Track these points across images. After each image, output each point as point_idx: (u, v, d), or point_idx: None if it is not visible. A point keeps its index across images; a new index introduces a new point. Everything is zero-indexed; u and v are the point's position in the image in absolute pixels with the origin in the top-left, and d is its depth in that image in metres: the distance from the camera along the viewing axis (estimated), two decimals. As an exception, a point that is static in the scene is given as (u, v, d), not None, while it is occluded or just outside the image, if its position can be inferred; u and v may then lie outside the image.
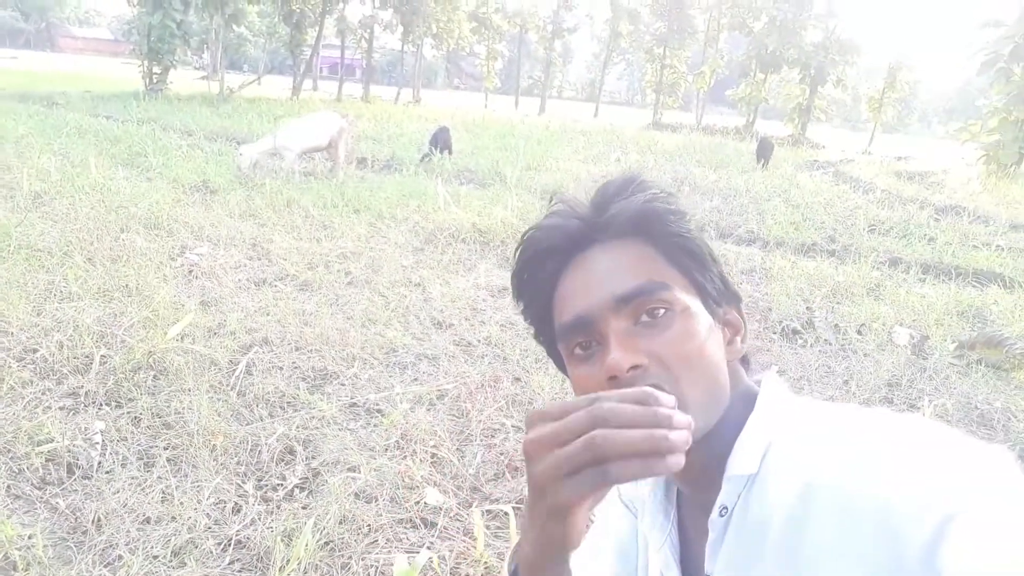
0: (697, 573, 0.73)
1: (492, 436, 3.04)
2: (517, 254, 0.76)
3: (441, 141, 11.41)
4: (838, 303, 5.38)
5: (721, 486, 0.66)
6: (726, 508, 0.66)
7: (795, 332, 4.73)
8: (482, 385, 3.51)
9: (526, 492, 2.08)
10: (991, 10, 19.47)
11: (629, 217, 0.70)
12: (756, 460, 0.65)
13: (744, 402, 0.70)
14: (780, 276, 5.90)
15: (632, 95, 78.93)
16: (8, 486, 2.38)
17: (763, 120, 29.52)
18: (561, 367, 0.76)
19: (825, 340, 4.62)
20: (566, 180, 10.08)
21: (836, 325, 4.87)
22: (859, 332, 4.76)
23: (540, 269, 0.74)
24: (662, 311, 0.67)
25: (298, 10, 27.69)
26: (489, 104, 36.73)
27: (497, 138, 15.58)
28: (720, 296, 0.72)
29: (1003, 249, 7.49)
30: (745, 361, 0.76)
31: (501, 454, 2.89)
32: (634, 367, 0.64)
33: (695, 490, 0.72)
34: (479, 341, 4.13)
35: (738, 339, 0.74)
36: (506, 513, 2.39)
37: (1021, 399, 3.84)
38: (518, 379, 3.64)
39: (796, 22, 27.14)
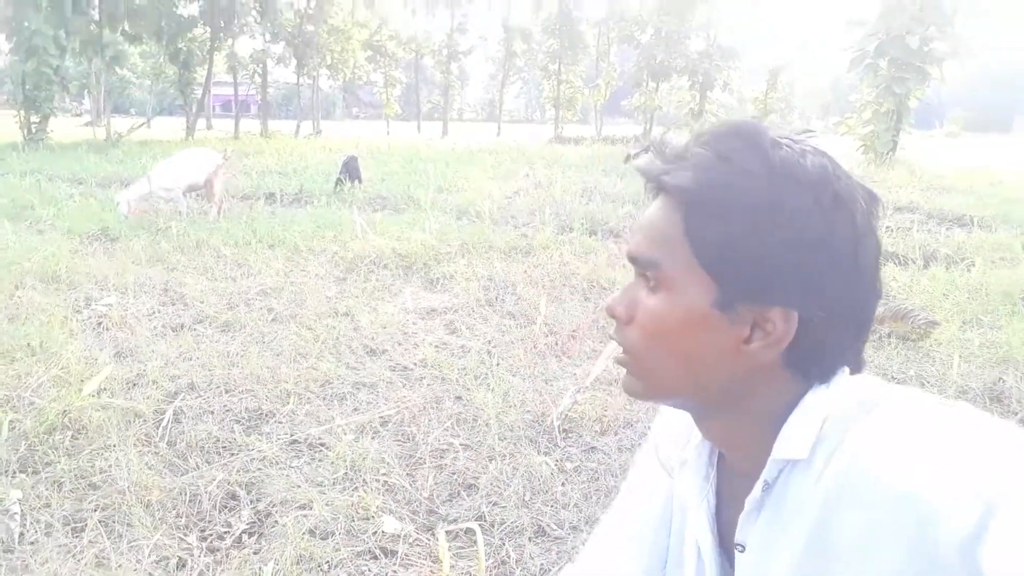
0: (728, 539, 0.73)
1: (442, 457, 3.00)
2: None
3: (350, 170, 11.25)
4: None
5: (765, 463, 0.66)
6: (768, 484, 0.66)
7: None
8: (424, 408, 3.46)
9: (484, 509, 2.06)
10: (855, 9, 20.94)
11: (680, 185, 0.68)
12: (805, 445, 0.63)
13: (781, 402, 0.67)
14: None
15: (531, 112, 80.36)
16: (-82, 573, 2.16)
17: (659, 126, 30.61)
18: None
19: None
20: (479, 198, 10.12)
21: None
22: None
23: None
24: (654, 281, 0.69)
25: (185, 48, 26.79)
26: (391, 131, 36.56)
27: (404, 163, 15.50)
28: (744, 293, 0.65)
29: (892, 230, 8.01)
30: (802, 364, 0.67)
31: (453, 473, 2.85)
32: (609, 311, 0.72)
33: (739, 458, 0.72)
34: (415, 364, 4.06)
35: (757, 344, 0.66)
36: (470, 531, 2.35)
37: (930, 366, 4.10)
38: (459, 398, 3.61)
39: (680, 32, 28.37)
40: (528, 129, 45.57)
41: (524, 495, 2.67)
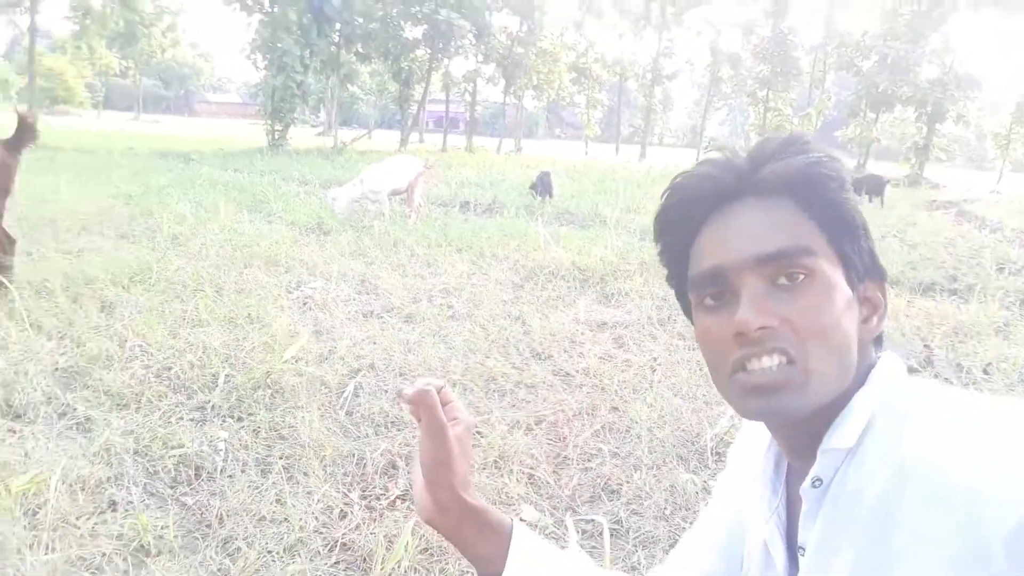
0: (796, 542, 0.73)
1: (589, 460, 3.05)
2: (664, 197, 0.75)
3: (543, 185, 11.66)
4: (960, 342, 5.06)
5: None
6: (820, 480, 0.66)
7: (912, 371, 4.48)
8: (579, 412, 3.53)
9: (622, 515, 2.10)
10: None
11: (786, 178, 0.69)
12: (854, 435, 0.64)
13: (862, 380, 0.68)
14: (895, 315, 5.61)
15: (735, 139, 77.72)
16: (145, 484, 2.61)
17: (875, 161, 28.33)
18: (687, 313, 0.77)
19: (946, 379, 4.34)
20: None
21: (958, 364, 4.58)
22: (985, 372, 4.45)
23: (684, 215, 0.73)
24: (801, 276, 0.66)
25: (406, 67, 29.24)
26: (589, 152, 37.15)
27: (597, 182, 15.73)
28: (865, 271, 0.70)
29: None
30: (878, 341, 0.73)
31: (597, 477, 2.89)
32: (763, 327, 0.64)
33: (802, 463, 0.71)
34: (577, 372, 4.15)
35: (875, 318, 0.71)
36: (596, 523, 2.38)
37: None
38: (616, 408, 3.64)
39: (910, 58, 26.11)
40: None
41: (665, 508, 2.65)
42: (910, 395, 0.65)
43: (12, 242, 5.25)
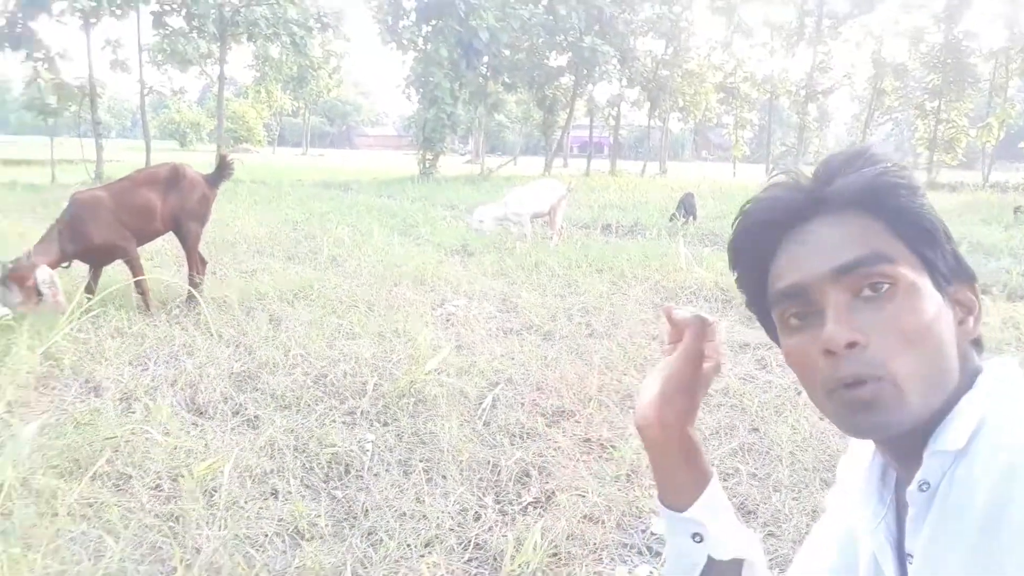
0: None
1: (725, 479, 2.97)
2: (735, 224, 0.77)
3: (687, 207, 11.47)
4: None
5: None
6: (927, 483, 0.64)
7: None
8: (716, 431, 3.45)
9: (758, 535, 2.03)
10: None
11: (855, 190, 0.69)
12: (964, 437, 0.63)
13: (967, 383, 0.67)
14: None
15: (901, 156, 72.20)
16: (302, 477, 2.87)
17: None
18: (772, 335, 0.77)
19: None
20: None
21: None
22: None
23: (758, 239, 0.74)
24: (885, 285, 0.65)
25: (551, 95, 29.85)
26: (737, 172, 35.96)
27: (744, 203, 15.18)
28: (952, 274, 0.69)
29: None
30: (977, 343, 0.72)
31: (733, 497, 2.81)
32: (851, 344, 0.63)
33: (908, 470, 0.69)
34: (716, 392, 4.04)
35: (970, 319, 0.71)
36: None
37: None
38: (755, 429, 3.52)
39: (1113, 59, 23.15)
40: (894, 174, 40.88)
41: (804, 531, 2.53)
42: (1021, 396, 0.63)
43: (204, 263, 5.96)
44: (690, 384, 0.76)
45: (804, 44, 32.75)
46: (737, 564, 0.77)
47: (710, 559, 0.76)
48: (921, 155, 34.49)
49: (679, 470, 0.77)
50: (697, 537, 0.75)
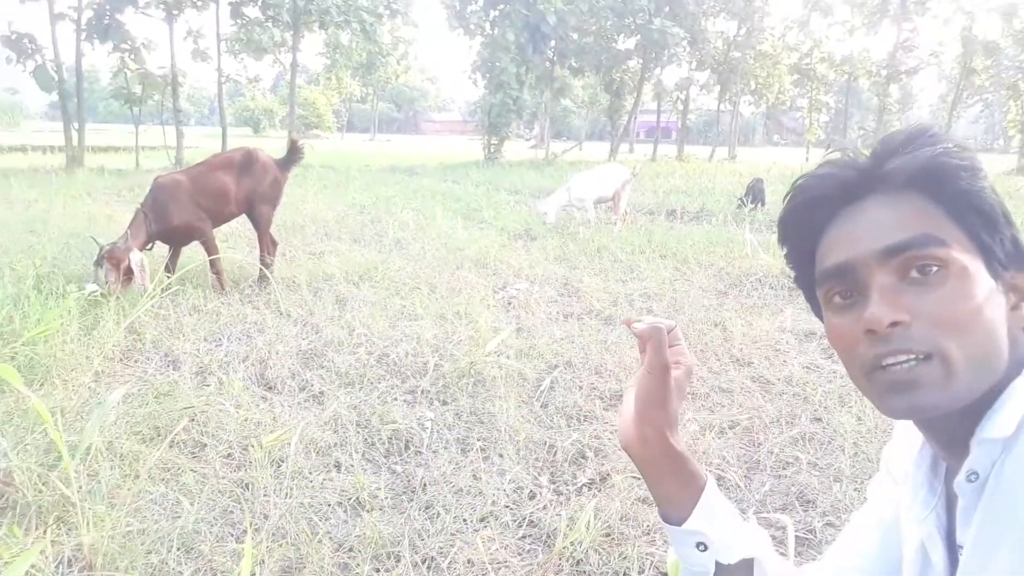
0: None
1: (784, 468, 2.92)
2: (786, 199, 0.76)
3: (755, 192, 11.18)
4: None
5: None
6: (976, 473, 0.63)
7: None
8: (777, 420, 3.39)
9: (816, 525, 2.02)
10: None
11: (913, 170, 0.67)
12: (1012, 424, 0.62)
13: (1016, 370, 0.66)
14: None
15: (992, 139, 68.33)
16: (364, 451, 2.97)
17: None
18: (817, 313, 0.77)
19: None
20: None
21: None
22: None
23: (809, 216, 0.73)
24: (934, 268, 0.64)
25: (618, 79, 29.45)
26: (811, 157, 34.72)
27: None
28: (1009, 260, 0.68)
29: None
30: None
31: (792, 485, 2.77)
32: (894, 323, 0.63)
33: (956, 460, 0.68)
34: (778, 379, 3.97)
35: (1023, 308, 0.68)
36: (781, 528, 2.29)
37: None
38: (818, 419, 3.43)
39: None
40: (985, 159, 38.79)
41: (865, 523, 2.47)
42: None
43: (275, 245, 6.17)
44: (662, 396, 0.75)
45: (888, 21, 31.24)
46: (747, 564, 0.77)
47: (719, 565, 0.76)
48: (1013, 138, 32.54)
49: (670, 482, 0.76)
50: (701, 546, 0.75)
